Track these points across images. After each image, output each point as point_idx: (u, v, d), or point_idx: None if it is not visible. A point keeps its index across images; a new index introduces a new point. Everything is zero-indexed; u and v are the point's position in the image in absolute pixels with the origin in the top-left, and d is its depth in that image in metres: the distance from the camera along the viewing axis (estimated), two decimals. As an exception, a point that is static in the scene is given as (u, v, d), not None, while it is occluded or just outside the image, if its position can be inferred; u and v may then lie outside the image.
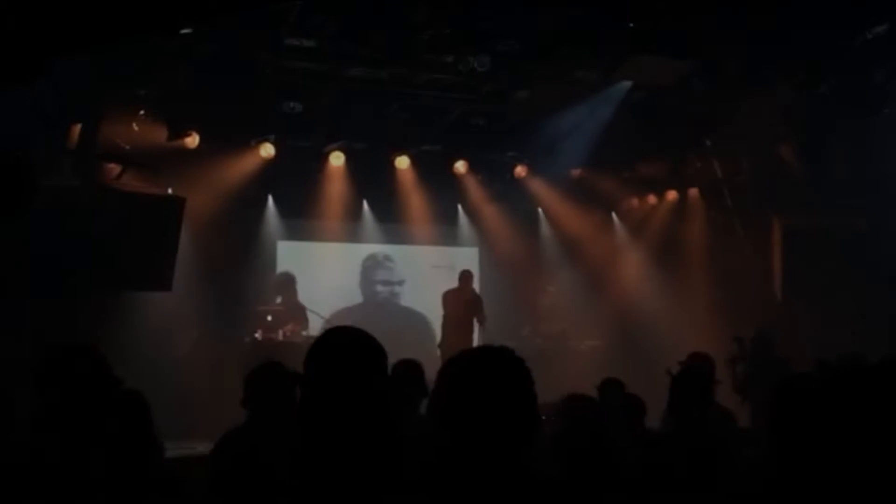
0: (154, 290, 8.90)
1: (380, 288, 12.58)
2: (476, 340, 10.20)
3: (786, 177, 10.13)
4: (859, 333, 8.19)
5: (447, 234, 12.58)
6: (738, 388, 7.43)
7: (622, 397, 4.80)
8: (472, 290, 10.81)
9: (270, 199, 11.33)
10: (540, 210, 12.55)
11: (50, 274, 7.62)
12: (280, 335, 9.57)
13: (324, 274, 11.63)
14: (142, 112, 8.98)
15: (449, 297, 10.67)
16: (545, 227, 12.56)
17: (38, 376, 2.80)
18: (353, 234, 12.10)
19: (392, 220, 12.02)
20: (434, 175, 11.45)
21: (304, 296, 9.84)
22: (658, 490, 3.50)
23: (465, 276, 10.78)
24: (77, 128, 8.19)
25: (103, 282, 8.32)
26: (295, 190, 11.17)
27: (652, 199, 12.41)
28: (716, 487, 3.50)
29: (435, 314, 11.15)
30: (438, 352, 9.95)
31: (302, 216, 11.62)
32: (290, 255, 11.54)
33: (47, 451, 2.63)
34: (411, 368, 4.46)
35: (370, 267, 12.53)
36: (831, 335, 8.78)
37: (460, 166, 11.43)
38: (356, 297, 12.29)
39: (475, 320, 10.41)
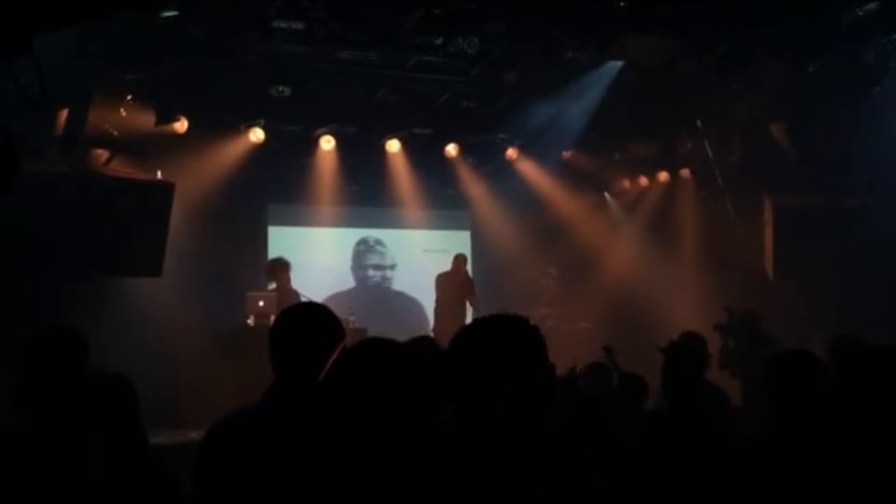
0: (144, 276, 8.84)
1: (371, 272, 12.57)
2: (469, 323, 10.18)
3: (777, 157, 10.13)
4: (848, 313, 8.23)
5: (439, 217, 12.56)
6: (723, 362, 7.44)
7: (611, 380, 4.81)
8: (466, 274, 10.79)
9: (260, 184, 11.28)
10: (532, 192, 12.53)
11: (38, 260, 7.58)
12: (272, 321, 9.51)
13: (315, 259, 11.60)
14: (129, 97, 8.90)
15: (441, 281, 10.66)
16: (537, 210, 12.54)
17: (20, 359, 2.78)
18: (344, 218, 12.06)
19: (383, 204, 11.99)
20: (425, 158, 11.41)
21: (295, 281, 9.80)
22: (657, 467, 3.50)
23: (459, 260, 10.76)
24: (63, 113, 8.12)
25: (92, 268, 8.27)
26: (285, 174, 11.12)
27: (643, 179, 12.40)
28: (711, 465, 3.50)
29: (427, 298, 11.14)
30: (432, 336, 9.92)
31: (292, 201, 11.59)
32: (280, 240, 11.50)
33: (27, 432, 2.61)
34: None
35: (362, 251, 12.51)
36: (821, 314, 8.83)
37: (451, 149, 11.38)
38: (348, 282, 12.28)
39: (468, 304, 10.40)
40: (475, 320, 1.97)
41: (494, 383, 1.81)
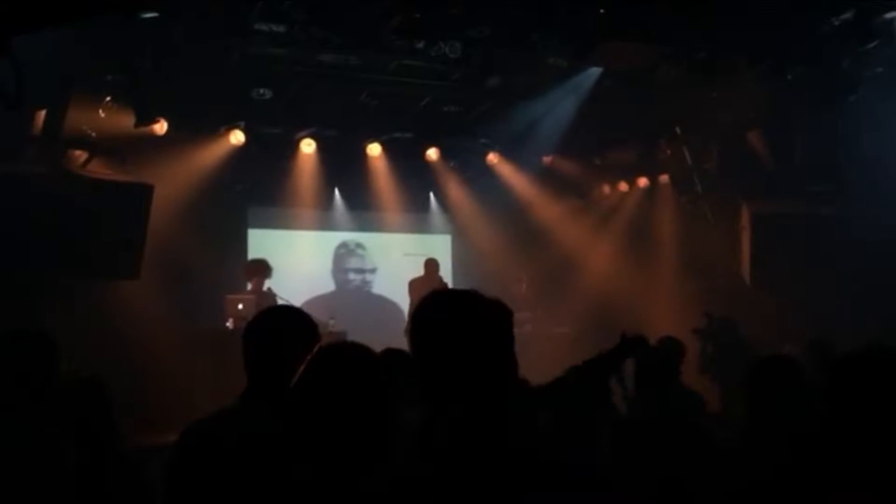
0: (122, 278, 8.78)
1: (352, 276, 12.55)
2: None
3: (754, 164, 10.20)
4: (825, 319, 8.30)
5: (420, 221, 12.57)
6: (702, 367, 7.50)
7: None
8: (440, 279, 10.78)
9: (241, 187, 11.24)
10: (512, 197, 12.56)
11: (15, 262, 7.50)
12: (249, 323, 9.46)
13: (295, 262, 11.57)
14: (108, 98, 8.82)
15: (415, 286, 10.65)
16: (518, 214, 12.58)
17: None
18: (324, 221, 12.06)
19: (364, 207, 11.99)
20: (406, 162, 11.42)
21: (275, 284, 9.78)
22: (630, 473, 3.52)
23: (431, 265, 10.76)
24: (42, 113, 8.04)
25: (70, 270, 8.20)
26: (265, 177, 11.10)
27: (623, 185, 12.46)
28: (688, 470, 3.52)
29: (407, 302, 11.11)
30: (406, 338, 9.89)
31: (273, 204, 11.55)
32: (260, 244, 11.46)
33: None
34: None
35: (342, 255, 12.49)
36: (798, 320, 8.90)
37: (432, 153, 11.40)
38: (328, 286, 12.25)
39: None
40: (448, 292, 1.91)
41: (487, 363, 1.75)
